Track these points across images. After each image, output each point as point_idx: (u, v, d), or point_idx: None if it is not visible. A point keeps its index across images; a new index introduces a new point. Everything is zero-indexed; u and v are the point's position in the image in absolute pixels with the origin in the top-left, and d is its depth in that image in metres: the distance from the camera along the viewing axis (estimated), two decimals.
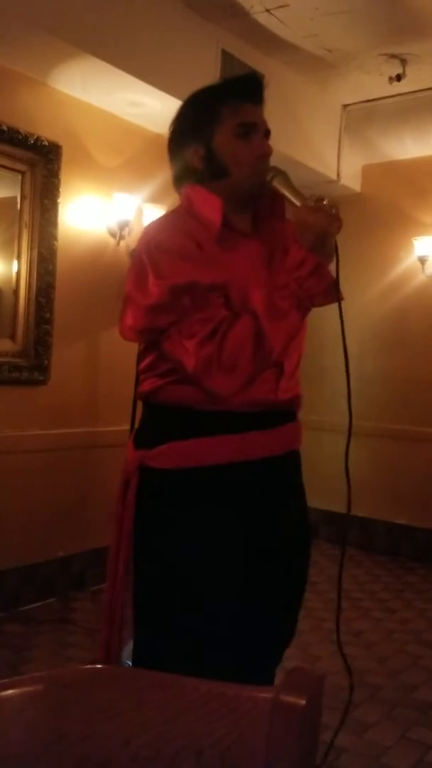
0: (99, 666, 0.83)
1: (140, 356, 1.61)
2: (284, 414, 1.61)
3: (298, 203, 1.53)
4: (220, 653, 1.52)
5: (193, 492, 1.52)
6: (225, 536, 1.52)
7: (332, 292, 1.50)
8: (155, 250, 1.49)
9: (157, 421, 1.58)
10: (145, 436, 1.60)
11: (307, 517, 1.75)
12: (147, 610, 1.57)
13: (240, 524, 1.53)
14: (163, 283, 1.44)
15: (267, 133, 1.62)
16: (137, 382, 1.56)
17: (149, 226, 1.61)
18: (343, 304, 1.54)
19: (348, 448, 1.67)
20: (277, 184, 1.56)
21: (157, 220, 1.62)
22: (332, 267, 1.52)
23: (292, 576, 1.70)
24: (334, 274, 1.51)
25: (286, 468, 1.65)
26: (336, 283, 1.50)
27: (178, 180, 1.66)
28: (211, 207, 1.55)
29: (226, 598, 1.52)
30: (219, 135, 1.56)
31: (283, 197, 1.58)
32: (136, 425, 1.66)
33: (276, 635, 1.73)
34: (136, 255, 1.55)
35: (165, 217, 1.63)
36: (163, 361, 1.53)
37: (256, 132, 1.58)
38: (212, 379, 1.42)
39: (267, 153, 1.59)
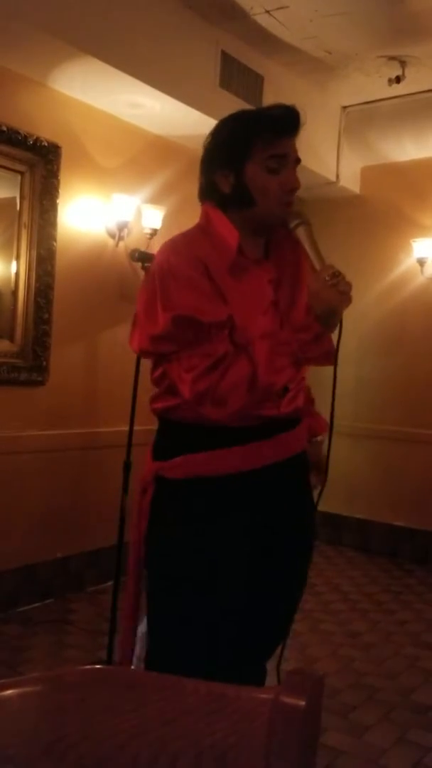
0: (98, 667, 0.83)
1: (154, 365, 1.71)
2: (287, 423, 1.71)
3: (316, 265, 1.61)
4: (226, 648, 1.63)
5: (205, 499, 1.64)
6: (234, 539, 1.63)
7: (329, 358, 1.65)
8: (167, 275, 1.57)
9: (172, 435, 1.71)
10: (161, 448, 1.72)
11: (312, 515, 1.83)
12: (162, 611, 1.69)
13: (248, 528, 1.65)
14: (168, 314, 1.53)
15: (297, 162, 1.66)
16: (137, 377, 1.64)
17: (166, 244, 1.67)
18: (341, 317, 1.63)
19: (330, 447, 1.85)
20: (300, 234, 1.63)
21: (174, 238, 1.68)
22: (334, 336, 1.65)
23: (294, 574, 1.80)
24: (335, 339, 1.64)
25: (291, 471, 1.74)
26: (336, 351, 1.65)
27: (203, 194, 1.72)
28: (228, 233, 1.63)
29: (235, 595, 1.63)
30: (250, 167, 1.61)
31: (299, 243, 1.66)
32: (136, 428, 1.78)
33: (273, 632, 1.84)
34: (150, 273, 1.64)
35: (182, 236, 1.68)
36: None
37: (286, 164, 1.63)
38: (204, 409, 1.55)
39: (294, 187, 1.64)
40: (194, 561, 1.62)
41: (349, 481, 5.29)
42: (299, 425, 1.75)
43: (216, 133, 1.69)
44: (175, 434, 1.69)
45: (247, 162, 1.61)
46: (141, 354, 1.68)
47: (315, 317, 1.57)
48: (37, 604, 3.73)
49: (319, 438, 1.97)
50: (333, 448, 1.90)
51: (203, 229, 1.67)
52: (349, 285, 1.58)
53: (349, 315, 1.67)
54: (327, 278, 1.56)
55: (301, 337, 1.58)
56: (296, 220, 1.64)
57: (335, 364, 1.66)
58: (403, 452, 5.21)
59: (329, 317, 1.58)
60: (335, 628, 3.76)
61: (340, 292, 1.56)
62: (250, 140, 1.60)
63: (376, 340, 5.26)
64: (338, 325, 1.63)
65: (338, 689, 3.02)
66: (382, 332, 5.28)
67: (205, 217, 1.69)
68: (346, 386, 5.32)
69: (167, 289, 1.55)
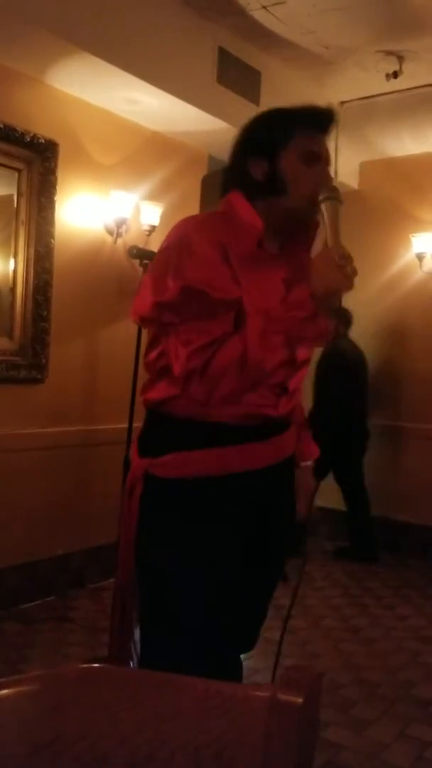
0: (96, 665, 0.83)
1: (148, 348, 1.66)
2: (281, 425, 1.70)
3: (330, 241, 1.58)
4: (216, 646, 1.63)
5: (199, 500, 1.60)
6: (227, 542, 1.61)
7: (323, 340, 1.62)
8: (184, 249, 1.55)
9: (163, 430, 1.65)
10: (150, 444, 1.67)
11: (293, 514, 1.86)
12: (152, 611, 1.65)
13: (240, 529, 1.64)
14: (179, 283, 1.50)
15: (328, 161, 1.70)
16: (136, 374, 1.62)
17: (186, 220, 1.66)
18: (342, 300, 1.62)
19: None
20: (326, 208, 1.60)
21: (194, 217, 1.69)
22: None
23: (276, 572, 1.87)
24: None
25: (281, 474, 1.74)
26: (334, 333, 1.63)
27: (230, 183, 1.72)
28: (252, 219, 1.63)
29: (226, 596, 1.62)
30: (286, 157, 1.63)
31: (316, 227, 1.66)
32: (135, 425, 1.75)
33: (253, 625, 1.88)
34: (165, 245, 1.62)
35: (203, 216, 1.71)
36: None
37: (320, 161, 1.66)
38: (191, 388, 1.52)
39: (326, 182, 1.66)
40: (186, 562, 1.59)
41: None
42: (290, 427, 1.75)
43: (253, 123, 1.72)
44: (168, 429, 1.63)
45: (284, 151, 1.63)
46: (141, 322, 1.64)
47: (313, 295, 1.53)
48: (37, 602, 3.73)
49: (309, 463, 1.93)
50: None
51: (225, 215, 1.66)
52: (355, 271, 1.55)
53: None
54: (336, 258, 1.54)
55: (296, 315, 1.53)
56: (327, 193, 1.61)
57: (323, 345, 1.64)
58: (403, 447, 5.21)
59: (328, 297, 1.55)
60: (336, 623, 3.77)
61: (345, 274, 1.54)
62: (290, 130, 1.64)
63: (375, 335, 5.25)
64: (338, 308, 1.59)
65: (339, 684, 3.02)
66: (381, 327, 5.27)
67: (228, 204, 1.68)
68: None
69: (182, 261, 1.53)
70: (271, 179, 1.64)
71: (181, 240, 1.58)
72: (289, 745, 0.76)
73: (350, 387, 4.83)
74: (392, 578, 4.62)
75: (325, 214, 1.60)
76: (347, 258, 1.55)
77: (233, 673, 1.71)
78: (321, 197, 1.60)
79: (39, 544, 3.77)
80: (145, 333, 3.34)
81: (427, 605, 4.11)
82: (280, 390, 1.65)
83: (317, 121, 1.67)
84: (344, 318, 4.66)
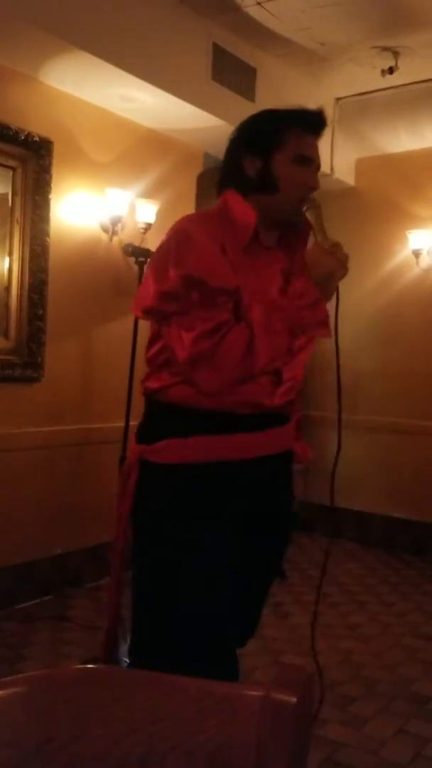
0: (88, 666, 0.83)
1: (150, 343, 1.72)
2: (278, 417, 1.73)
3: (318, 239, 1.70)
4: (213, 635, 1.65)
5: (189, 485, 1.64)
6: (221, 530, 1.64)
7: (324, 327, 1.67)
8: (184, 241, 1.61)
9: (160, 417, 1.70)
10: (146, 431, 1.72)
11: (290, 509, 1.90)
12: (146, 601, 1.68)
13: (234, 518, 1.67)
14: (179, 272, 1.56)
15: (318, 167, 1.77)
16: (132, 372, 1.66)
17: (185, 217, 1.73)
18: (339, 297, 1.70)
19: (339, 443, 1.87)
20: (309, 215, 1.72)
21: (192, 214, 1.76)
22: (332, 308, 1.69)
23: (270, 565, 1.90)
24: (333, 313, 1.69)
25: (277, 466, 1.77)
26: (335, 322, 1.70)
27: (225, 179, 1.79)
28: (246, 214, 1.70)
29: (220, 584, 1.65)
30: (279, 156, 1.70)
31: (309, 228, 1.75)
32: (132, 423, 1.77)
33: (249, 619, 1.90)
34: (165, 239, 1.67)
35: (201, 213, 1.78)
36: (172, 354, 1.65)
37: (310, 165, 1.73)
38: (199, 374, 1.56)
39: (315, 186, 1.74)
40: (180, 551, 1.62)
41: (347, 474, 5.27)
42: (289, 422, 1.78)
43: (249, 123, 1.78)
44: (165, 416, 1.69)
45: (277, 151, 1.69)
46: (144, 314, 1.68)
47: (313, 282, 1.62)
48: (35, 601, 3.72)
49: (298, 467, 1.96)
50: (330, 440, 1.91)
51: (221, 212, 1.72)
52: (346, 255, 1.66)
53: (344, 306, 1.72)
54: (327, 246, 1.65)
55: (299, 303, 1.61)
56: (307, 203, 1.72)
57: (336, 336, 1.71)
58: (400, 444, 5.21)
59: (327, 283, 1.64)
60: (334, 620, 3.77)
61: (337, 259, 1.64)
62: (284, 131, 1.70)
63: (372, 332, 5.25)
64: (335, 295, 1.68)
65: (338, 681, 3.02)
66: (378, 324, 5.27)
67: (224, 201, 1.74)
68: (343, 378, 5.30)
69: (182, 252, 1.59)
70: (264, 178, 1.70)
71: (180, 233, 1.64)
72: (283, 745, 0.75)
73: None
74: (391, 575, 4.62)
75: (310, 219, 1.72)
76: (336, 245, 1.66)
77: (230, 668, 1.71)
78: (304, 208, 1.71)
79: (36, 543, 3.76)
80: (141, 330, 3.34)
81: (426, 602, 4.11)
82: (276, 378, 1.68)
83: (310, 123, 1.74)
84: None
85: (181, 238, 1.63)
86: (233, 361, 1.54)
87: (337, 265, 1.65)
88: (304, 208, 1.71)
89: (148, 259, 1.75)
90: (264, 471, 1.72)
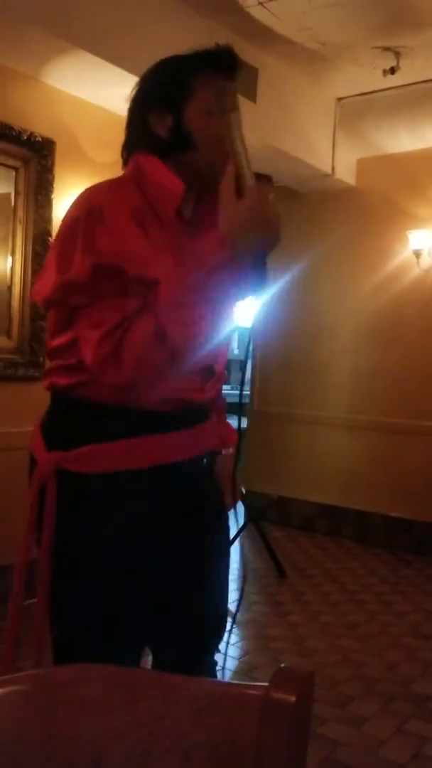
0: (89, 665, 0.83)
1: (55, 331, 1.43)
2: (203, 412, 1.53)
3: (242, 170, 1.31)
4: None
5: (119, 495, 1.41)
6: (150, 535, 1.44)
7: (254, 293, 1.33)
8: (95, 218, 1.31)
9: (75, 419, 1.43)
10: (59, 434, 1.44)
11: (221, 508, 1.67)
12: (64, 616, 1.51)
13: (163, 522, 1.47)
14: (89, 258, 1.28)
15: (235, 109, 1.44)
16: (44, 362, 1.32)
17: (93, 187, 1.41)
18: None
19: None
20: (231, 123, 1.35)
21: (101, 184, 1.43)
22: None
23: (210, 572, 1.63)
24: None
25: (206, 467, 1.58)
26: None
27: (132, 145, 1.52)
28: (170, 181, 1.43)
29: (159, 595, 1.49)
30: (190, 108, 1.44)
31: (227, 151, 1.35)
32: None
33: (204, 627, 1.64)
34: (70, 215, 1.37)
35: (111, 181, 1.44)
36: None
37: (226, 110, 1.43)
38: (106, 377, 1.29)
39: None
40: (106, 560, 1.42)
41: (346, 473, 5.31)
42: (212, 415, 1.57)
43: (150, 75, 1.54)
44: (80, 418, 1.42)
45: (188, 102, 1.44)
46: (45, 305, 1.41)
47: (223, 241, 1.27)
48: (35, 599, 3.73)
49: (230, 450, 1.71)
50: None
51: (135, 180, 1.43)
52: (277, 214, 1.29)
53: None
54: (245, 175, 1.30)
55: (206, 266, 1.27)
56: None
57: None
58: (400, 443, 5.22)
59: (246, 246, 1.27)
60: (334, 619, 3.78)
61: (265, 219, 1.28)
62: (191, 77, 1.46)
63: (372, 332, 5.26)
64: (261, 264, 1.29)
65: (337, 680, 3.03)
66: (378, 323, 5.27)
67: (137, 166, 1.46)
68: (342, 377, 5.33)
69: (92, 232, 1.30)
70: (178, 134, 1.44)
71: (90, 208, 1.33)
72: (282, 744, 0.76)
73: None
74: (390, 575, 4.63)
75: (230, 127, 1.35)
76: (259, 185, 1.30)
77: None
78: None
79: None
80: None
81: (426, 602, 4.12)
82: (207, 372, 1.49)
83: (219, 64, 1.47)
84: None
85: (90, 214, 1.31)
86: (149, 361, 1.27)
87: (265, 226, 1.27)
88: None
89: (54, 237, 1.38)
90: (196, 474, 1.52)
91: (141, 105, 1.51)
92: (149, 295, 1.28)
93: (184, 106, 1.44)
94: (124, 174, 1.49)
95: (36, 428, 1.52)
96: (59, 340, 1.41)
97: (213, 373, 1.51)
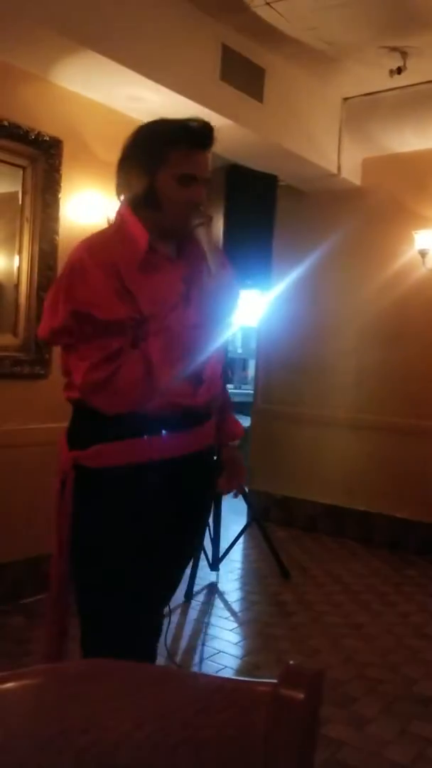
0: (98, 660, 0.84)
1: (61, 354, 1.77)
2: (201, 415, 1.80)
3: (208, 259, 1.68)
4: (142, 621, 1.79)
5: (124, 486, 1.70)
6: (146, 524, 1.71)
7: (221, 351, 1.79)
8: (76, 272, 1.63)
9: (89, 424, 1.75)
10: (77, 437, 1.77)
11: (210, 494, 2.02)
12: (87, 600, 1.76)
13: (160, 513, 1.74)
14: (67, 307, 1.60)
15: (207, 182, 1.74)
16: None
17: (83, 243, 1.72)
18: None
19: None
20: (200, 233, 1.70)
21: (90, 238, 1.75)
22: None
23: (189, 547, 2.05)
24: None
25: (202, 460, 1.84)
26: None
27: (120, 189, 1.79)
28: (138, 233, 1.70)
29: (152, 580, 1.76)
30: (162, 175, 1.69)
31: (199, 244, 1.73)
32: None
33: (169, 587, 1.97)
34: (63, 269, 1.70)
35: (98, 236, 1.76)
36: None
37: (196, 181, 1.71)
38: (97, 399, 1.63)
39: (199, 202, 1.71)
40: (113, 543, 1.70)
41: (350, 473, 5.30)
42: (210, 418, 1.84)
43: (136, 136, 1.77)
44: (92, 423, 1.72)
45: (161, 170, 1.68)
46: (45, 343, 1.79)
47: (207, 308, 1.65)
48: (40, 596, 3.74)
49: (236, 442, 2.07)
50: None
51: (118, 228, 1.75)
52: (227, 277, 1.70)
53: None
54: (212, 268, 1.65)
55: (195, 333, 1.65)
56: (199, 220, 1.70)
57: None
58: (404, 444, 5.21)
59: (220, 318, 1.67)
60: (337, 619, 3.78)
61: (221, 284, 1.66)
62: (166, 150, 1.68)
63: (377, 332, 5.26)
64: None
65: (340, 681, 3.03)
66: (383, 323, 5.27)
67: (120, 217, 1.77)
68: (348, 378, 5.33)
69: (72, 285, 1.62)
70: (149, 194, 1.70)
71: (73, 264, 1.66)
72: (291, 741, 0.76)
73: None
74: (394, 575, 4.63)
75: (201, 238, 1.70)
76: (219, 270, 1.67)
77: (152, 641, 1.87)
78: (194, 224, 1.70)
79: (42, 538, 3.76)
80: None
81: (429, 602, 4.12)
82: (195, 380, 1.73)
83: (194, 140, 1.70)
84: None
85: (73, 270, 1.65)
86: (131, 388, 1.60)
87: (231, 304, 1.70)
88: (195, 224, 1.70)
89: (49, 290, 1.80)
90: (190, 467, 1.78)
91: (126, 162, 1.76)
92: (130, 334, 1.61)
93: (157, 174, 1.69)
94: (110, 225, 1.82)
95: (62, 432, 1.85)
96: (65, 362, 1.74)
97: (201, 381, 1.75)
